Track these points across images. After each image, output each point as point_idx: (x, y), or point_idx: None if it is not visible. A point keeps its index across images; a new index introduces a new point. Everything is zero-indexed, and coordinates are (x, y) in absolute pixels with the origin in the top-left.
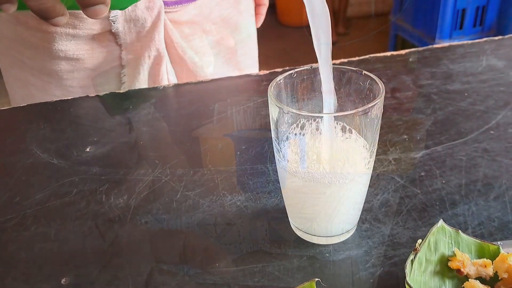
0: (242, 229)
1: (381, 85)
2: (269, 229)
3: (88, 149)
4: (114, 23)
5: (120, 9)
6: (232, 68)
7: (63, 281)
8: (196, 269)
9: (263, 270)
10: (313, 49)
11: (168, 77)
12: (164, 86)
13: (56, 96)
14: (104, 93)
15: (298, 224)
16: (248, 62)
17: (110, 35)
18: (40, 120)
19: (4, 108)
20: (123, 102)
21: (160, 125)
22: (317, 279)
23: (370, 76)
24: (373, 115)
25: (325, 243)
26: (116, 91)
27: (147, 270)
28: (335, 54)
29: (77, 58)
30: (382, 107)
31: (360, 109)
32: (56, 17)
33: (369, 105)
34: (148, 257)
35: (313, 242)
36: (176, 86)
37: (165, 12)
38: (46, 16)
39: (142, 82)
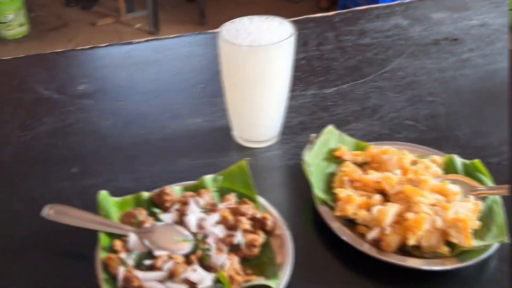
0: (197, 144)
1: (291, 27)
2: (217, 140)
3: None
4: None
5: None
6: None
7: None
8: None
9: (209, 164)
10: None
11: None
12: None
13: None
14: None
15: (240, 133)
16: None
17: None
18: (39, 68)
19: (7, 58)
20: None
21: None
22: (248, 158)
23: (283, 22)
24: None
25: (258, 146)
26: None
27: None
28: None
29: None
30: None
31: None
32: None
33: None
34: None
35: (250, 146)
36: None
37: None
38: None
39: None
